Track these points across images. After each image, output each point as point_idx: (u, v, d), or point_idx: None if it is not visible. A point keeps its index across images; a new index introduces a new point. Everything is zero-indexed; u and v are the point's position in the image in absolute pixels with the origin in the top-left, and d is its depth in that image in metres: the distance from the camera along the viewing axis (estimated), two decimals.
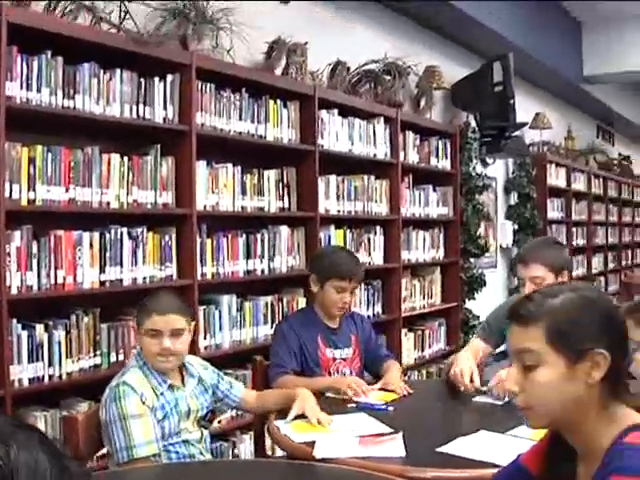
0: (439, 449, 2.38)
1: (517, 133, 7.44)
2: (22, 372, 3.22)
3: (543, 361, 1.49)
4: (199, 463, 2.67)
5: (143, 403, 2.64)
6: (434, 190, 6.42)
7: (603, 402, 1.50)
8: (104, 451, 2.85)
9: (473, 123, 7.10)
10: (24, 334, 3.24)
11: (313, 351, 3.49)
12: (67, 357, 3.40)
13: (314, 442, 2.51)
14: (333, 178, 5.06)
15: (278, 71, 4.68)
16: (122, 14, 3.83)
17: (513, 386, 1.55)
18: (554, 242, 3.60)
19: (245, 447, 4.25)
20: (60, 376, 3.38)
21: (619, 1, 7.84)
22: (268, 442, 3.44)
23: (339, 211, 5.12)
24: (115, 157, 3.61)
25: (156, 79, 3.81)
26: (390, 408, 3.01)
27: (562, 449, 1.59)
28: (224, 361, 4.12)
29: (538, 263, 3.24)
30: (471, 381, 3.19)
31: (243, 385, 3.19)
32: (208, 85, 4.09)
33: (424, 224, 6.32)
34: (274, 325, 4.41)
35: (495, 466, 2.03)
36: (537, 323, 1.51)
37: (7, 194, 3.14)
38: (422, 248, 6.23)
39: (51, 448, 0.92)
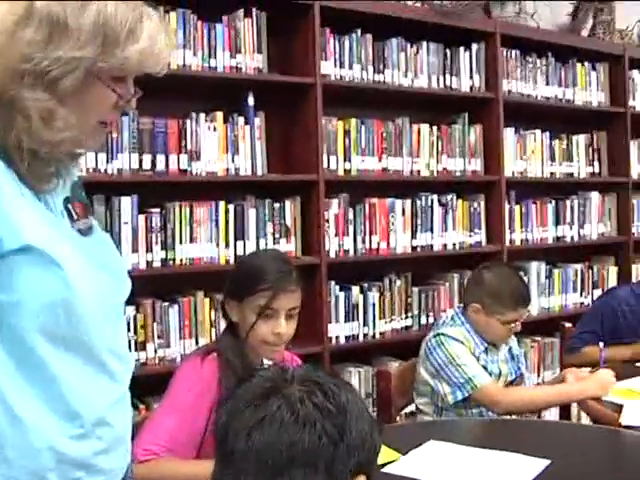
0: None
1: None
2: (339, 330, 3.35)
3: None
4: (500, 420, 2.62)
5: None
6: None
7: None
8: (412, 408, 2.92)
9: None
10: (341, 295, 3.36)
11: None
12: (380, 318, 3.48)
13: (622, 406, 2.36)
14: None
15: (584, 32, 4.39)
16: None
17: None
18: None
19: (550, 413, 4.06)
20: (373, 335, 3.46)
21: None
22: (574, 410, 3.33)
23: None
24: (424, 127, 3.62)
25: (461, 49, 3.75)
26: None
27: None
28: (532, 328, 3.99)
29: None
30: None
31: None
32: (513, 51, 3.94)
33: None
34: (586, 294, 4.23)
35: None
36: None
37: (325, 165, 3.27)
38: None
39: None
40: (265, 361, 2.16)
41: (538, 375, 4.04)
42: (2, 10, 1.26)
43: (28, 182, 1.29)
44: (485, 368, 2.69)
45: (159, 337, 2.93)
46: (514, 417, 2.72)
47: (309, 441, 0.97)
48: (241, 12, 3.10)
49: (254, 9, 3.13)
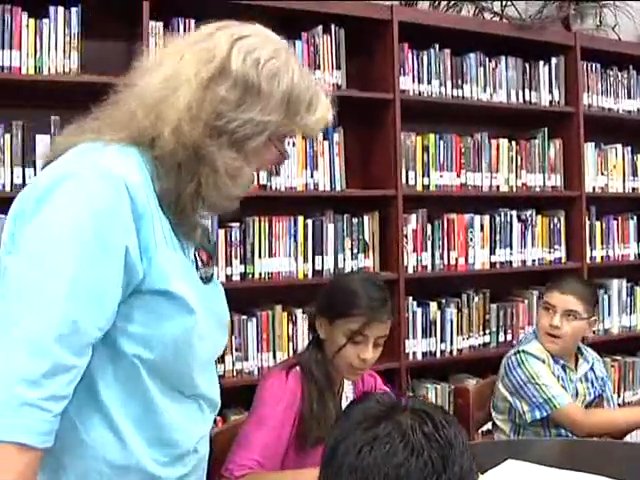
0: None
1: None
2: (416, 346, 3.31)
3: None
4: (580, 441, 2.53)
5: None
6: None
7: None
8: (489, 426, 2.86)
9: None
10: (419, 311, 3.32)
11: None
12: (458, 334, 3.42)
13: None
14: None
15: None
16: (503, 2, 3.72)
17: None
18: None
19: (630, 437, 3.91)
20: (451, 352, 3.41)
21: None
22: None
23: None
24: (503, 142, 3.55)
25: (540, 63, 3.66)
26: None
27: None
28: (612, 347, 3.87)
29: None
30: None
31: None
32: (593, 65, 3.82)
33: None
34: None
35: None
36: None
37: (404, 180, 3.23)
38: None
39: None
40: (346, 382, 2.15)
41: (618, 395, 3.89)
42: (196, 65, 1.30)
43: (180, 230, 1.32)
44: (562, 387, 2.61)
45: (237, 350, 2.93)
46: (594, 438, 2.62)
47: (415, 466, 0.99)
48: (320, 28, 3.09)
49: (333, 25, 3.11)
